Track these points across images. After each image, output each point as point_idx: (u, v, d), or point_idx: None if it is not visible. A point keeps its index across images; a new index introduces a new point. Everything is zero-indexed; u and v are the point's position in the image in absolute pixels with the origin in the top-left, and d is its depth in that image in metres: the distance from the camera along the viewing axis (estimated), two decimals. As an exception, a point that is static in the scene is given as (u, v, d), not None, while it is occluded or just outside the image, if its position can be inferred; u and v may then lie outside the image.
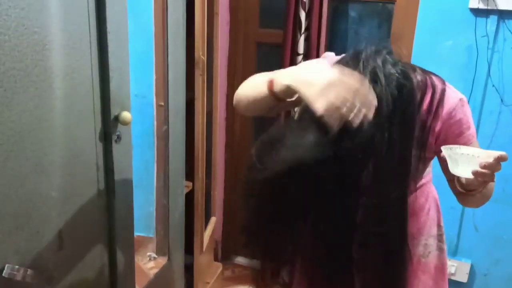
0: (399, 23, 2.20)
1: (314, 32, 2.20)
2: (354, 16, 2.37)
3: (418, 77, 1.12)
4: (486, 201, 1.17)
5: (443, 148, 1.00)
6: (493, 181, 0.99)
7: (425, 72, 1.15)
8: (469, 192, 1.07)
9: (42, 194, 1.10)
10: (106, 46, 1.23)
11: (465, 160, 0.96)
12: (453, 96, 1.14)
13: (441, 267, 1.32)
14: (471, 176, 0.96)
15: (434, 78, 1.13)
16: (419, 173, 1.20)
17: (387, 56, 1.00)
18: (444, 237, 1.33)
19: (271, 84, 1.02)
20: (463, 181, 1.07)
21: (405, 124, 1.00)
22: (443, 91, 1.12)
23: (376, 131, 0.94)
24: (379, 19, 2.33)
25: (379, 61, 0.98)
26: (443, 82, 1.14)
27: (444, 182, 1.23)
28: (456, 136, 1.13)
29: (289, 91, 0.98)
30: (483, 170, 0.94)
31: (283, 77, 1.00)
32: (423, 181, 1.25)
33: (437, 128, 1.12)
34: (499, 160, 0.93)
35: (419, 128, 1.10)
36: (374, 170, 0.99)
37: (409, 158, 1.04)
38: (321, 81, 0.90)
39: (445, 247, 1.33)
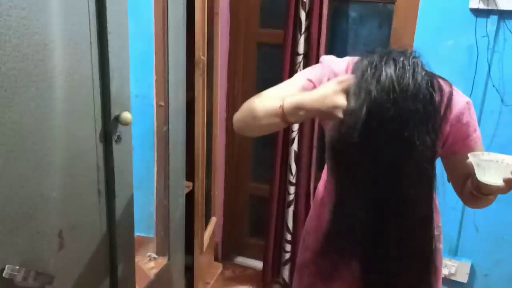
0: (400, 23, 2.20)
1: (314, 32, 2.20)
2: (354, 16, 2.37)
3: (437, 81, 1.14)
4: (491, 203, 1.18)
5: (470, 155, 1.00)
6: None
7: (432, 75, 1.15)
8: (486, 196, 1.07)
9: (43, 194, 1.10)
10: (106, 46, 1.23)
11: (494, 167, 0.96)
12: (461, 100, 1.15)
13: (437, 267, 1.32)
14: (502, 184, 0.95)
15: (441, 81, 1.14)
16: None
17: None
18: (442, 237, 1.34)
19: (283, 115, 1.07)
20: (485, 186, 1.04)
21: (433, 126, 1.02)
22: (451, 95, 1.13)
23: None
24: (380, 19, 2.33)
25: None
26: (450, 85, 1.15)
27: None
28: (463, 139, 1.15)
29: (302, 117, 1.07)
30: None
31: (293, 107, 1.06)
32: None
33: (446, 131, 1.13)
34: None
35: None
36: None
37: (433, 161, 1.06)
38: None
39: (442, 247, 1.35)
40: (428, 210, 1.14)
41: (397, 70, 0.97)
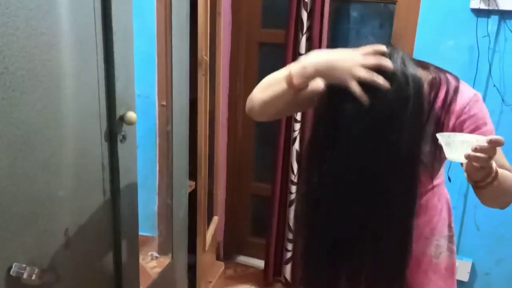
0: (401, 23, 2.21)
1: (316, 32, 2.20)
2: (355, 16, 2.38)
3: (432, 74, 1.14)
4: (507, 200, 1.14)
5: (438, 135, 1.00)
6: (492, 170, 0.98)
7: (439, 70, 1.17)
8: (477, 183, 1.05)
9: (50, 193, 1.11)
10: (112, 46, 1.24)
11: (459, 145, 0.97)
12: (467, 92, 1.14)
13: (451, 268, 1.31)
14: (464, 160, 0.95)
15: (448, 75, 1.15)
16: (435, 171, 1.21)
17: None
18: (455, 238, 1.32)
19: (290, 78, 1.09)
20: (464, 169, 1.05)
21: (416, 114, 1.02)
22: (457, 88, 1.13)
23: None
24: (381, 19, 2.34)
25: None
26: (457, 80, 1.16)
27: (447, 181, 1.24)
28: (471, 131, 1.12)
29: (314, 76, 1.06)
30: (477, 154, 0.93)
31: (303, 67, 1.08)
32: (436, 182, 1.25)
33: (451, 123, 1.13)
34: (492, 143, 0.92)
35: (434, 124, 1.12)
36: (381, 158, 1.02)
37: (417, 150, 1.06)
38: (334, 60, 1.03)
39: (455, 248, 1.32)
40: (407, 206, 1.13)
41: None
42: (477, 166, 0.96)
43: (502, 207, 1.16)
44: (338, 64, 1.02)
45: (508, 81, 2.04)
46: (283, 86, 1.11)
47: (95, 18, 1.18)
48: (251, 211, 2.84)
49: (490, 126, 1.14)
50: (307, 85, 1.09)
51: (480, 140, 0.94)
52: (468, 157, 0.94)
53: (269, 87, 1.15)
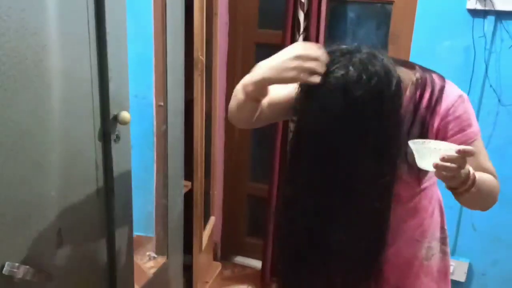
0: (397, 24, 2.21)
1: (312, 33, 2.21)
2: (352, 17, 2.38)
3: (417, 74, 1.13)
4: (487, 203, 1.13)
5: (409, 142, 0.99)
6: (458, 177, 0.96)
7: (425, 70, 1.15)
8: (453, 190, 1.04)
9: (42, 193, 1.11)
10: (105, 46, 1.24)
11: (427, 153, 0.96)
12: (453, 93, 1.13)
13: (444, 270, 1.30)
14: (433, 169, 0.94)
15: (434, 76, 1.14)
16: (422, 174, 1.19)
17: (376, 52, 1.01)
18: (448, 240, 1.31)
19: (244, 87, 1.10)
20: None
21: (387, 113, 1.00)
22: (442, 88, 1.12)
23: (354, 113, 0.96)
24: (378, 19, 2.34)
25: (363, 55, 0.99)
26: (443, 80, 1.15)
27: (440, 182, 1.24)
28: (456, 133, 1.11)
29: (258, 85, 1.06)
30: (445, 164, 0.92)
31: (250, 77, 1.07)
32: (426, 183, 1.24)
33: (436, 124, 1.12)
34: (461, 153, 0.91)
35: (419, 124, 1.11)
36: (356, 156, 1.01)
37: (394, 141, 1.04)
38: (267, 61, 1.04)
39: (448, 250, 1.32)
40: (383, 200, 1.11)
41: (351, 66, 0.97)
42: (446, 175, 0.95)
43: (483, 209, 1.16)
44: (273, 63, 1.02)
45: (504, 82, 2.04)
46: (240, 95, 1.13)
47: (88, 18, 1.18)
48: (248, 211, 2.84)
49: (475, 127, 1.13)
50: (262, 93, 1.11)
51: (448, 149, 0.94)
52: (436, 166, 0.93)
53: (235, 96, 1.17)
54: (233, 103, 1.19)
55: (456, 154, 0.91)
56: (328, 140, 1.00)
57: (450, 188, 1.03)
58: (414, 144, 0.99)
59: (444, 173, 0.94)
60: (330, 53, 1.00)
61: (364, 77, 0.95)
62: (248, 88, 1.08)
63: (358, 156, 1.01)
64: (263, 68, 1.04)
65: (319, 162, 1.03)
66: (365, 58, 0.97)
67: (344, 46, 1.02)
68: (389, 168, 1.06)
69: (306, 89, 1.02)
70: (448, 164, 0.92)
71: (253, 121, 1.20)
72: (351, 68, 0.96)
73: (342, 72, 0.96)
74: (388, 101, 0.98)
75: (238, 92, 1.14)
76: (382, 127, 0.99)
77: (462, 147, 0.92)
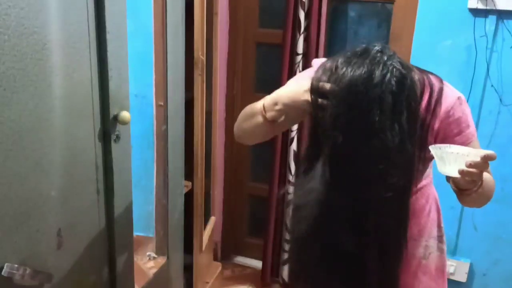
0: (398, 23, 2.20)
1: (313, 32, 2.20)
2: (353, 16, 2.37)
3: (415, 76, 1.12)
4: (485, 201, 1.16)
5: (431, 147, 1.00)
6: (480, 181, 0.99)
7: (422, 71, 1.15)
8: (463, 191, 1.06)
9: (42, 193, 1.10)
10: (105, 45, 1.23)
11: (452, 159, 0.96)
12: (451, 95, 1.14)
13: (441, 268, 1.31)
14: (458, 175, 0.95)
15: (431, 77, 1.14)
16: (420, 174, 1.20)
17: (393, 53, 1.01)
18: (444, 238, 1.32)
19: (263, 111, 1.12)
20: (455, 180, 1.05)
21: (409, 117, 0.98)
22: (441, 90, 1.12)
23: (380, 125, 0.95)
24: (378, 19, 2.33)
25: (385, 57, 0.98)
26: (441, 81, 1.15)
27: (444, 182, 1.23)
28: (455, 135, 1.13)
29: (283, 109, 1.09)
30: (470, 169, 0.93)
31: (274, 102, 1.10)
32: (423, 182, 1.25)
33: (436, 126, 1.12)
34: (486, 159, 0.92)
35: (419, 127, 1.10)
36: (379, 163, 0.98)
37: (412, 152, 1.02)
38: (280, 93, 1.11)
39: (445, 248, 1.33)
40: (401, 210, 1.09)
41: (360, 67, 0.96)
42: (469, 180, 0.97)
43: (479, 207, 1.19)
44: (291, 94, 1.06)
45: (506, 81, 2.03)
46: (259, 118, 1.14)
47: (88, 17, 1.18)
48: (249, 211, 2.83)
49: (472, 128, 1.15)
50: (280, 117, 1.12)
51: (472, 154, 0.95)
52: (462, 172, 0.95)
53: (248, 118, 1.18)
54: (244, 125, 1.20)
55: (480, 160, 0.93)
56: (349, 140, 0.98)
57: (461, 190, 1.04)
58: (437, 150, 0.99)
59: (467, 178, 0.96)
60: (344, 55, 1.00)
61: (387, 75, 0.95)
62: (271, 114, 1.11)
63: (379, 156, 0.99)
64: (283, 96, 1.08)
65: (342, 163, 1.02)
66: (381, 56, 0.97)
67: (359, 47, 1.01)
68: (408, 167, 1.05)
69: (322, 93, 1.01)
70: (473, 170, 0.94)
71: (267, 138, 1.24)
72: (370, 67, 0.95)
73: (362, 70, 0.95)
74: (408, 98, 0.98)
75: (252, 115, 1.16)
76: (401, 124, 0.98)
77: (487, 152, 0.93)
